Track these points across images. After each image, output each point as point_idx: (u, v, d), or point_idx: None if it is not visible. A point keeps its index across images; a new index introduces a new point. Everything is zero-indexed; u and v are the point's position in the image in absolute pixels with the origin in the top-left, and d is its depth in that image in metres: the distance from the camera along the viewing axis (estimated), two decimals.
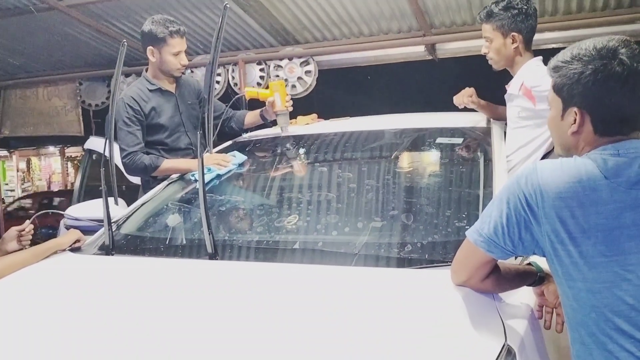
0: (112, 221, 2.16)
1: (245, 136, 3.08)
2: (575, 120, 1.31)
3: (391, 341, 1.26)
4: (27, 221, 2.47)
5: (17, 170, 21.14)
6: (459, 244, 1.48)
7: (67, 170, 19.40)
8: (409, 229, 1.91)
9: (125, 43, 2.22)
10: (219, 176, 2.51)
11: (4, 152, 18.92)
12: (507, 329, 1.34)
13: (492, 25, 2.37)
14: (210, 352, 1.28)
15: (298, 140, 2.73)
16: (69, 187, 17.45)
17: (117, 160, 2.55)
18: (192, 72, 5.34)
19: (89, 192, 4.16)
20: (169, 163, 2.76)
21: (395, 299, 1.50)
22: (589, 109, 1.29)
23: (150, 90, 2.88)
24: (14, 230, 2.39)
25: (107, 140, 2.09)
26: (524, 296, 1.55)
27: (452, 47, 4.87)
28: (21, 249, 2.35)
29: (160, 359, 1.26)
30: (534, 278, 1.51)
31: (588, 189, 1.22)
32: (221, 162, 2.52)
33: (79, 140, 7.34)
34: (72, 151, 19.14)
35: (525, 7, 2.34)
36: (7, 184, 21.66)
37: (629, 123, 1.28)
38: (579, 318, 1.25)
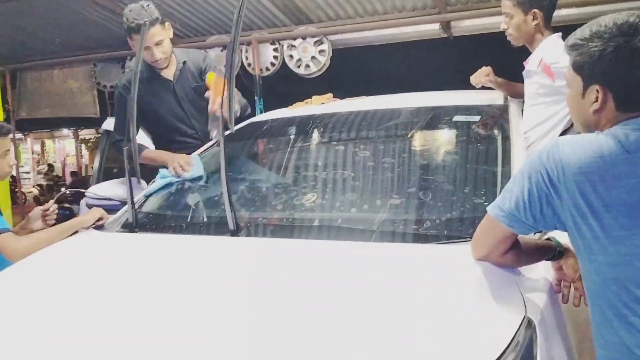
0: (134, 199, 2.20)
1: (263, 115, 3.09)
2: (597, 98, 1.31)
3: (413, 314, 1.29)
4: (51, 201, 2.54)
5: (32, 153, 21.38)
6: (478, 220, 1.50)
7: (80, 153, 19.57)
8: (428, 205, 1.93)
9: (147, 23, 2.24)
10: (168, 185, 2.45)
11: (19, 135, 19.12)
12: (527, 302, 1.36)
13: (512, 1, 2.35)
14: (235, 323, 1.32)
15: (315, 119, 2.74)
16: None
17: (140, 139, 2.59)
18: (206, 52, 5.34)
19: (107, 172, 4.22)
20: (148, 153, 2.75)
21: (416, 273, 1.53)
22: (612, 86, 1.29)
23: (146, 77, 2.76)
24: (38, 210, 2.45)
25: (129, 121, 2.12)
26: (543, 271, 1.57)
27: (468, 25, 4.83)
28: (44, 228, 2.41)
29: (188, 331, 1.30)
30: (553, 252, 1.53)
31: (610, 164, 1.23)
32: (182, 166, 2.43)
33: (92, 123, 7.41)
34: (86, 133, 19.28)
35: None
36: (22, 167, 21.94)
37: None
38: (600, 291, 1.27)
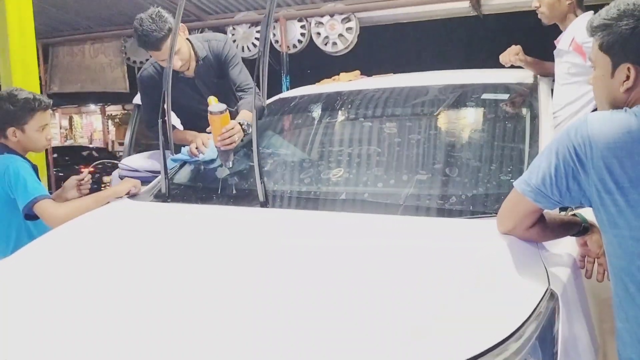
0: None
1: (291, 91, 3.13)
2: (628, 76, 1.32)
3: (441, 285, 1.33)
4: (86, 171, 2.62)
5: (60, 128, 21.79)
6: (504, 196, 1.53)
7: (107, 129, 19.89)
8: (455, 181, 1.96)
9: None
10: (184, 163, 2.50)
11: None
12: (550, 276, 1.39)
13: None
14: (269, 286, 1.38)
15: (343, 96, 2.77)
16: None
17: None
18: (233, 28, 5.38)
19: (138, 145, 4.32)
20: (176, 134, 2.75)
21: (442, 245, 1.57)
22: None
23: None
24: (73, 180, 2.54)
25: (164, 94, 2.18)
26: (566, 246, 1.60)
27: (498, 3, 4.77)
28: (80, 197, 2.50)
29: (219, 294, 1.37)
30: (578, 228, 1.55)
31: (637, 140, 1.25)
32: (197, 148, 2.43)
33: (120, 98, 7.52)
34: (113, 109, 19.56)
35: None
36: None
37: None
38: (623, 266, 1.29)
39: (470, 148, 2.19)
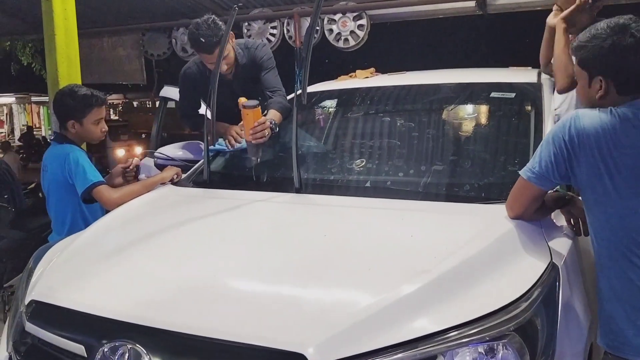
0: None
1: (312, 87, 3.35)
2: (601, 86, 1.61)
3: (457, 259, 1.57)
4: (131, 159, 2.88)
5: None
6: (512, 185, 1.79)
7: (110, 118, 20.08)
8: (468, 171, 2.23)
9: (237, 8, 2.48)
10: (217, 153, 2.74)
11: (48, 99, 19.63)
12: (552, 251, 1.66)
13: None
14: (308, 258, 1.65)
15: (363, 92, 3.01)
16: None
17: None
18: (249, 24, 5.60)
19: (164, 137, 4.57)
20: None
21: (458, 226, 1.83)
22: (612, 75, 1.59)
23: (207, 76, 2.83)
24: (119, 167, 2.79)
25: (211, 92, 2.43)
26: (563, 225, 1.86)
27: (503, 3, 5.00)
28: (124, 183, 2.75)
29: (268, 267, 1.64)
30: (563, 201, 1.84)
31: (622, 135, 1.53)
32: (234, 138, 2.67)
33: (121, 88, 7.70)
34: (114, 98, 19.71)
35: None
36: (50, 129, 22.56)
37: None
38: (607, 236, 1.58)
39: (481, 142, 2.45)
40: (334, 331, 1.31)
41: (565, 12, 2.41)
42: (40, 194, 6.72)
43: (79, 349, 1.49)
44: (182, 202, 2.35)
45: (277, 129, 2.60)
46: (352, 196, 2.21)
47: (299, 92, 2.20)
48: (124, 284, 1.62)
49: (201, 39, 2.68)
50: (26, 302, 1.72)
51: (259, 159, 2.55)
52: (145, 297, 1.54)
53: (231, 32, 2.64)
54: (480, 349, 1.35)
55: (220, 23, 2.74)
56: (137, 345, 1.40)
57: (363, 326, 1.33)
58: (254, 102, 2.53)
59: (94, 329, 1.50)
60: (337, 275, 1.53)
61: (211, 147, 2.68)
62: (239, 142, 2.68)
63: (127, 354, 1.41)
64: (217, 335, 1.37)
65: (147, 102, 19.35)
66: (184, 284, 1.56)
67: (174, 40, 6.07)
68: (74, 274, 1.76)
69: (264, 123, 2.48)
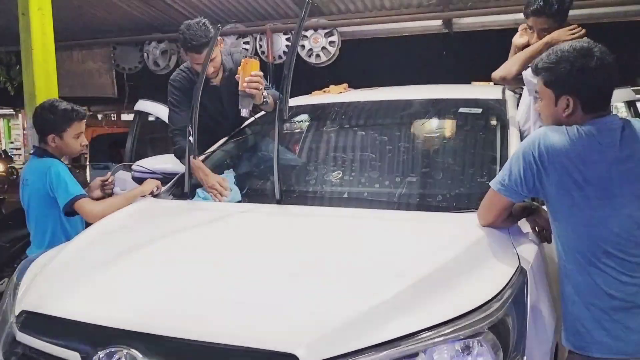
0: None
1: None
2: (568, 105, 1.74)
3: (434, 264, 1.68)
4: (109, 173, 2.92)
5: (24, 129, 21.43)
6: (481, 195, 1.91)
7: None
8: (440, 182, 2.36)
9: (220, 27, 2.57)
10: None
11: (9, 111, 19.16)
12: (520, 256, 1.79)
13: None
14: (294, 264, 1.74)
15: (336, 107, 3.12)
16: None
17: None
18: (223, 39, 5.68)
19: (138, 150, 4.58)
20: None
21: (431, 233, 1.95)
22: (578, 95, 1.72)
23: (194, 82, 2.83)
24: (98, 180, 2.83)
25: (193, 108, 2.50)
26: (529, 232, 2.00)
27: (467, 22, 5.23)
28: (104, 196, 2.79)
29: (244, 264, 1.74)
30: (529, 210, 1.98)
31: (588, 151, 1.66)
32: (218, 190, 2.49)
33: (87, 101, 7.63)
34: None
35: None
36: (12, 142, 21.98)
37: (607, 99, 1.75)
38: (574, 244, 1.70)
39: (451, 155, 2.59)
40: (323, 332, 1.40)
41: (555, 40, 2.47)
42: (3, 210, 6.60)
43: (73, 356, 1.53)
44: (165, 214, 2.40)
45: (268, 103, 2.70)
46: (331, 206, 2.31)
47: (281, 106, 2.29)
48: (115, 293, 1.68)
49: (191, 38, 2.78)
50: (16, 312, 1.75)
51: (249, 112, 2.64)
52: (136, 305, 1.59)
53: (220, 37, 2.76)
54: (457, 346, 1.46)
55: (210, 26, 2.85)
56: (132, 349, 1.46)
57: (350, 327, 1.42)
58: (256, 57, 2.64)
59: (88, 336, 1.55)
60: (322, 279, 1.62)
61: (195, 199, 2.56)
62: (225, 196, 2.50)
63: (122, 359, 1.46)
64: (210, 338, 1.44)
65: (112, 115, 19.07)
66: (174, 291, 1.63)
67: (145, 54, 6.10)
68: (64, 284, 1.80)
69: (261, 75, 2.55)
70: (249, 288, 1.60)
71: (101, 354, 1.49)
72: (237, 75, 2.60)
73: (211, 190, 2.51)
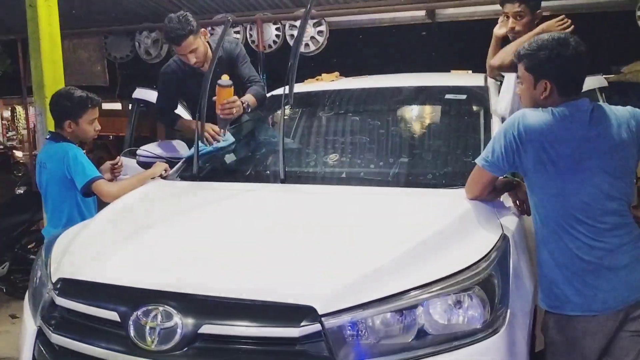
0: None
1: (281, 89, 3.64)
2: (545, 89, 1.96)
3: (429, 231, 1.90)
4: (119, 156, 3.09)
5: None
6: (467, 172, 2.14)
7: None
8: (430, 162, 2.59)
9: (230, 19, 2.74)
10: (207, 152, 2.92)
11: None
12: (503, 225, 2.02)
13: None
14: (307, 230, 1.95)
15: (331, 94, 3.32)
16: None
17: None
18: (212, 29, 5.80)
19: (137, 138, 4.72)
20: (183, 122, 3.30)
21: (424, 206, 2.17)
22: (554, 79, 1.94)
23: (185, 71, 3.18)
24: (108, 164, 3.01)
25: (201, 98, 2.67)
26: (510, 205, 2.24)
27: (450, 13, 5.46)
28: (112, 179, 2.96)
29: (252, 237, 1.93)
30: (511, 185, 2.20)
31: (562, 129, 1.89)
32: (212, 136, 2.88)
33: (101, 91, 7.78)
34: None
35: None
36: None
37: (579, 85, 1.97)
38: (549, 213, 1.93)
39: (440, 137, 2.83)
40: (336, 287, 1.62)
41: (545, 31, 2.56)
42: None
43: (112, 315, 1.72)
44: (179, 192, 2.60)
45: (250, 110, 3.00)
46: (331, 185, 2.52)
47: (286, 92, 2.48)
48: (147, 258, 1.87)
49: (169, 31, 3.00)
50: (53, 280, 1.93)
51: (226, 131, 2.93)
52: (168, 268, 1.79)
53: (203, 29, 3.01)
54: (450, 300, 1.69)
55: (192, 19, 3.02)
56: (167, 306, 1.66)
57: (358, 283, 1.63)
58: (229, 82, 2.86)
59: (125, 297, 1.73)
60: (332, 245, 1.84)
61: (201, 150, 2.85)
62: (217, 140, 2.92)
63: (159, 316, 1.66)
64: (235, 295, 1.64)
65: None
66: (200, 255, 1.83)
67: (137, 44, 6.20)
68: (96, 253, 1.98)
69: (233, 102, 2.84)
70: (267, 252, 1.81)
71: (139, 312, 1.68)
72: (214, 97, 2.86)
73: (205, 136, 2.85)
